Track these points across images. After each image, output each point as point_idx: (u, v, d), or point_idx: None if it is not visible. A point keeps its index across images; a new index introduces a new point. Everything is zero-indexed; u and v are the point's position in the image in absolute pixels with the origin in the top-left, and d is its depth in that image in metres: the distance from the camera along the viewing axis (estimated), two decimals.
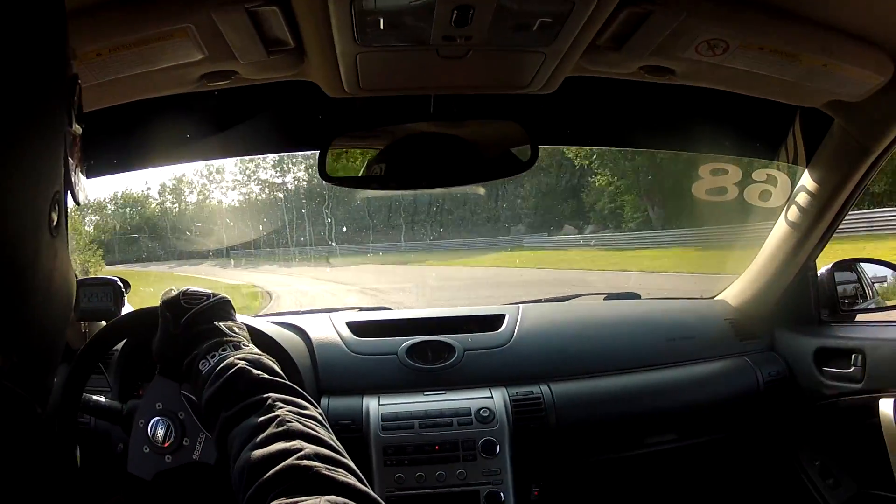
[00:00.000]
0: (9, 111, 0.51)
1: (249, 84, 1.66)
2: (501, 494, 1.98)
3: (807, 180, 2.21)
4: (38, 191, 0.56)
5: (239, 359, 1.21)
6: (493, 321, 2.42)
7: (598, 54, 1.56)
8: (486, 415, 2.04)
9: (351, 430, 2.03)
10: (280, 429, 1.01)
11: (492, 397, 2.10)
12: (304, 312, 2.61)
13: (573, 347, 2.35)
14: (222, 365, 1.21)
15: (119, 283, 2.02)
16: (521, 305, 2.53)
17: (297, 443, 0.96)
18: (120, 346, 1.89)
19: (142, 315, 1.73)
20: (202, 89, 1.66)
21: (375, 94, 1.71)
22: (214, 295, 1.45)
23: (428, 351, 2.27)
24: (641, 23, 1.43)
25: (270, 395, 1.10)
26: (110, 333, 1.71)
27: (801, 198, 2.24)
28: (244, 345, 1.31)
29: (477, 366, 2.24)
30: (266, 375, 1.17)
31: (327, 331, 2.33)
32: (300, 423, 1.03)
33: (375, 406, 2.07)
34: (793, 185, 2.26)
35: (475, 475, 1.98)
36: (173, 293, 1.46)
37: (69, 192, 0.65)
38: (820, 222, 2.24)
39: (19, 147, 0.53)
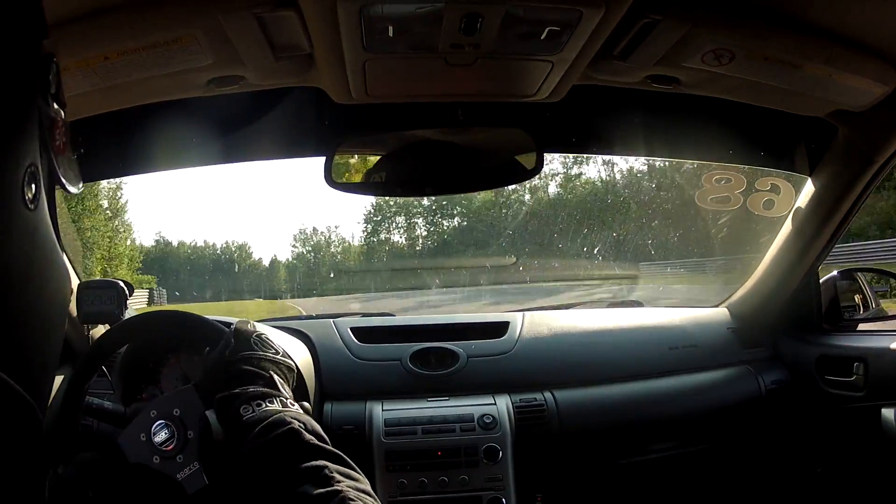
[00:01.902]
0: None
1: (256, 89, 1.66)
2: (504, 501, 1.99)
3: (810, 189, 2.21)
4: (5, 161, 0.56)
5: (291, 418, 1.22)
6: (497, 328, 2.42)
7: (605, 63, 1.57)
8: (488, 421, 2.04)
9: (354, 435, 2.03)
10: None
11: (495, 404, 2.11)
12: (307, 318, 2.61)
13: (577, 355, 2.35)
14: (272, 419, 1.21)
15: (122, 285, 2.02)
16: (524, 313, 2.53)
17: None
18: (123, 349, 1.89)
19: (144, 319, 1.74)
20: (209, 94, 1.66)
21: (383, 100, 1.71)
22: (285, 354, 1.47)
23: (432, 357, 2.27)
24: (648, 32, 1.43)
25: (327, 464, 1.10)
26: (114, 337, 1.70)
27: (805, 207, 2.24)
28: (291, 403, 1.31)
29: (480, 373, 2.25)
30: (317, 442, 1.17)
31: (331, 336, 2.33)
32: (361, 501, 1.03)
33: (379, 412, 2.07)
34: (796, 195, 2.26)
35: (478, 481, 1.99)
36: (249, 326, 1.48)
37: (57, 179, 0.64)
38: (823, 231, 2.24)
39: None
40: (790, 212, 2.30)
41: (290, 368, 1.46)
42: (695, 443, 2.33)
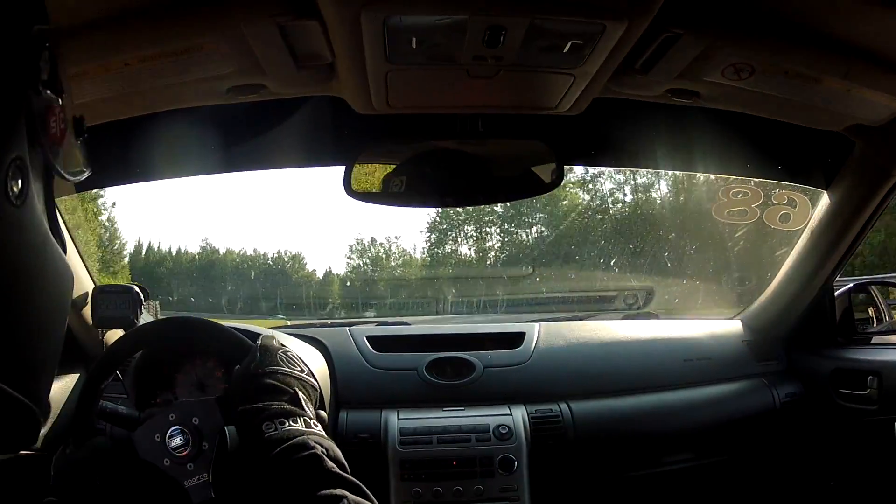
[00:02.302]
0: None
1: (277, 98, 1.67)
2: None
3: (826, 203, 2.21)
4: None
5: (314, 442, 1.22)
6: (513, 339, 2.42)
7: (627, 77, 1.57)
8: (504, 432, 2.04)
9: (369, 443, 2.04)
10: None
11: (510, 414, 2.11)
12: (321, 325, 2.62)
13: (592, 366, 2.35)
14: (295, 441, 1.21)
15: (138, 291, 2.02)
16: (540, 323, 2.53)
17: None
18: (137, 354, 1.89)
19: (159, 326, 1.75)
20: (229, 102, 1.66)
21: (404, 111, 1.71)
22: (310, 373, 1.47)
23: (448, 367, 2.27)
24: (670, 46, 1.44)
25: (346, 494, 1.10)
26: (129, 342, 1.70)
27: (821, 221, 2.24)
28: (314, 424, 1.31)
29: (496, 383, 2.25)
30: (338, 470, 1.17)
31: (347, 344, 2.33)
32: None
33: (394, 420, 2.08)
34: (812, 208, 2.26)
35: (492, 491, 1.99)
36: (275, 341, 1.49)
37: (53, 169, 0.63)
38: (839, 245, 2.24)
39: None
40: (806, 225, 2.30)
41: (314, 387, 1.45)
42: (709, 455, 2.33)
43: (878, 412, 2.20)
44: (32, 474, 1.71)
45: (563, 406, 2.19)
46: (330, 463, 1.17)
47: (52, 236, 0.64)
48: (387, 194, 1.90)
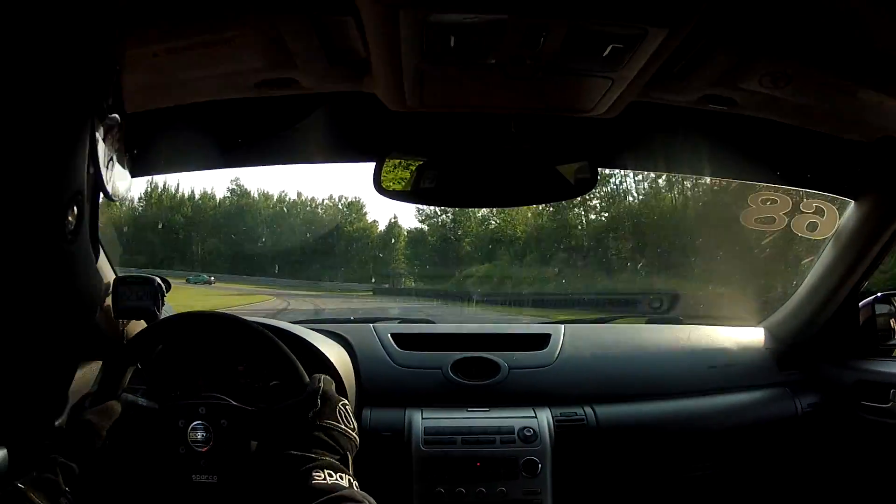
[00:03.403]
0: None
1: (307, 93, 1.67)
2: None
3: (854, 214, 2.21)
4: (57, 200, 0.54)
5: (361, 496, 1.27)
6: (538, 340, 2.42)
7: (664, 82, 1.56)
8: (529, 434, 2.03)
9: (392, 442, 2.03)
10: None
11: (535, 417, 2.10)
12: (346, 321, 2.61)
13: (617, 370, 2.34)
14: (343, 493, 1.26)
15: (160, 282, 2.02)
16: (565, 325, 2.53)
17: None
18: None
19: (181, 320, 1.74)
20: (259, 95, 1.66)
21: (437, 109, 1.71)
22: (355, 429, 1.51)
23: (473, 367, 2.27)
24: (708, 53, 1.43)
25: None
26: (149, 337, 1.70)
27: (848, 231, 2.23)
28: (357, 486, 1.34)
29: (521, 384, 2.24)
30: None
31: (371, 342, 2.34)
32: None
33: (418, 420, 2.07)
34: (840, 218, 2.25)
35: (515, 494, 1.98)
36: (333, 388, 1.55)
37: (104, 191, 0.63)
38: (865, 257, 2.23)
39: (39, 159, 0.50)
40: (833, 235, 2.29)
41: (357, 446, 1.50)
42: (731, 463, 2.32)
43: None
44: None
45: (588, 409, 2.18)
46: None
47: (93, 255, 0.65)
48: (416, 193, 1.90)
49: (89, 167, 0.59)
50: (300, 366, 1.61)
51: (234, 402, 1.52)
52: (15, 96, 0.50)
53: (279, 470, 1.37)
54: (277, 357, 1.62)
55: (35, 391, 0.57)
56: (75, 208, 0.57)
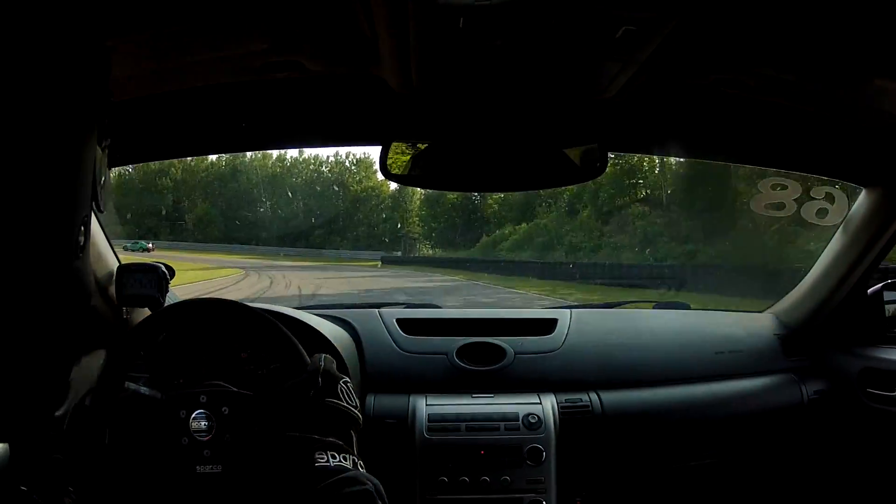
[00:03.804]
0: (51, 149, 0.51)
1: (313, 76, 1.64)
2: (544, 503, 1.97)
3: (865, 200, 2.20)
4: (71, 220, 0.57)
5: (365, 478, 1.27)
6: (545, 324, 2.40)
7: (676, 65, 1.53)
8: (534, 421, 2.02)
9: (396, 428, 2.03)
10: None
11: (540, 403, 2.09)
12: (351, 306, 2.60)
13: (624, 356, 2.33)
14: (348, 475, 1.26)
15: (164, 268, 2.00)
16: (572, 310, 2.52)
17: None
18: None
19: (183, 307, 1.72)
20: (264, 78, 1.63)
21: (445, 92, 1.69)
22: (358, 406, 1.48)
23: (478, 352, 2.26)
24: (721, 35, 1.40)
25: None
26: (152, 325, 1.68)
27: (859, 217, 2.22)
28: (361, 466, 1.34)
29: (527, 370, 2.23)
30: None
31: (376, 327, 2.32)
32: None
33: (423, 406, 2.07)
34: (850, 205, 2.24)
35: (519, 482, 1.97)
36: (335, 366, 1.51)
37: (98, 208, 0.65)
38: (875, 244, 2.22)
39: (57, 181, 0.53)
40: (843, 221, 2.27)
41: (360, 425, 1.48)
42: (737, 450, 2.32)
43: None
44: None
45: (593, 395, 2.17)
46: (379, 502, 1.22)
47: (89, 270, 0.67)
48: (423, 176, 1.89)
49: (94, 184, 0.60)
50: (301, 347, 1.59)
51: (235, 389, 1.50)
52: (25, 112, 0.52)
53: (282, 454, 1.36)
54: (279, 340, 1.59)
55: (35, 382, 0.57)
56: (83, 230, 0.58)
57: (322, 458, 1.29)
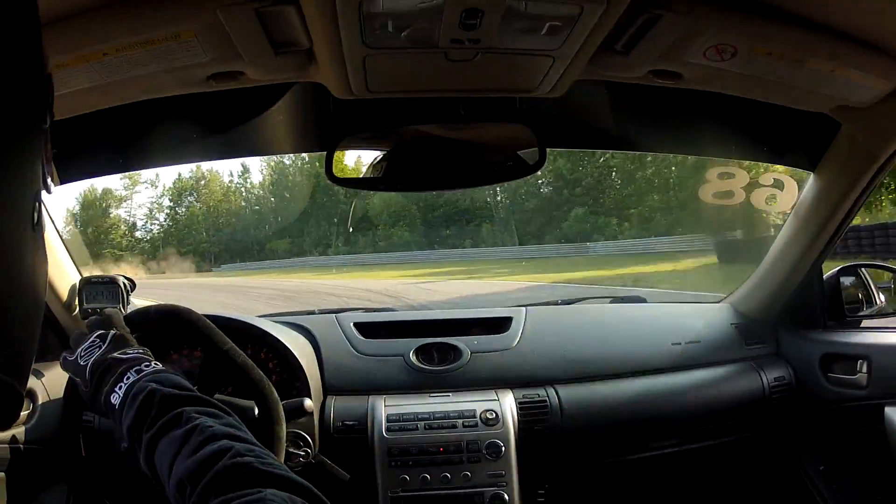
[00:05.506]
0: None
1: (257, 85, 1.66)
2: (506, 496, 1.99)
3: (814, 185, 2.21)
4: (25, 192, 0.58)
5: (147, 381, 1.22)
6: (500, 323, 2.43)
7: (607, 58, 1.55)
8: (491, 417, 2.05)
9: (356, 430, 2.04)
10: (204, 435, 1.03)
11: (497, 399, 2.11)
12: (308, 313, 2.61)
13: (580, 351, 2.35)
14: (132, 392, 1.22)
15: (124, 281, 2.01)
16: (527, 308, 2.54)
17: (224, 442, 0.99)
18: None
19: (140, 314, 1.73)
20: (209, 90, 1.65)
21: (383, 95, 1.70)
22: (103, 339, 1.44)
23: (435, 352, 2.28)
24: (650, 27, 1.42)
25: (185, 408, 1.12)
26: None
27: (808, 202, 2.24)
28: (146, 365, 1.31)
29: (483, 368, 2.25)
30: (177, 391, 1.18)
31: (334, 331, 2.34)
32: (221, 426, 1.06)
33: (381, 407, 2.08)
34: (799, 190, 2.26)
35: (480, 477, 1.99)
36: (69, 359, 1.45)
37: (45, 186, 0.66)
38: (827, 227, 2.23)
39: (10, 152, 0.54)
40: (793, 207, 2.30)
41: (117, 338, 1.44)
42: (697, 439, 2.33)
43: (867, 397, 2.19)
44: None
45: (551, 391, 2.20)
46: (166, 389, 1.18)
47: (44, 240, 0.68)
48: (369, 180, 1.90)
49: (44, 167, 0.62)
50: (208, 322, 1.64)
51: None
52: None
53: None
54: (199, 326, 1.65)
55: None
56: (37, 204, 0.60)
57: (115, 398, 1.25)
